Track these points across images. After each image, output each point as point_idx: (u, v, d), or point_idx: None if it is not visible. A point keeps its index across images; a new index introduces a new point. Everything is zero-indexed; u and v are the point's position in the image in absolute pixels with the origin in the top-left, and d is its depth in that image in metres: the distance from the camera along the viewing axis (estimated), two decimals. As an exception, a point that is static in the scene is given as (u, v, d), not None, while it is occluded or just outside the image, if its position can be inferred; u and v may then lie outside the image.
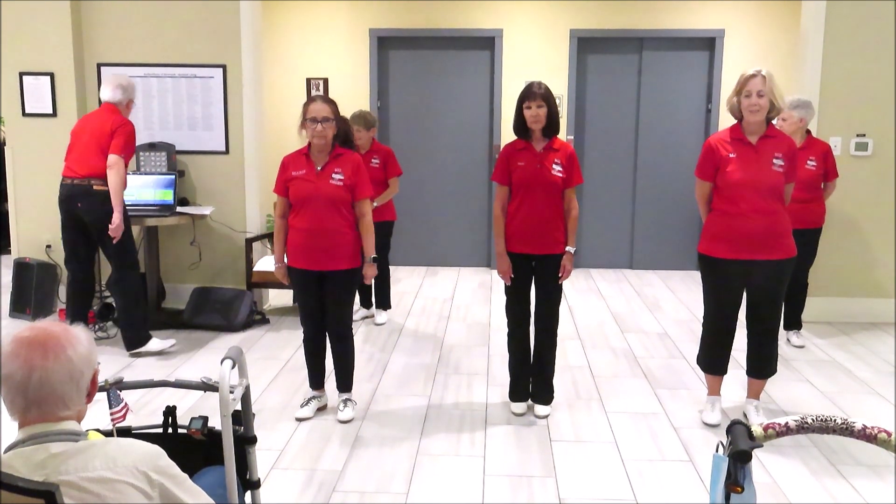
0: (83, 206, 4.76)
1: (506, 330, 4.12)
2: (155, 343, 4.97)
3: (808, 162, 4.97)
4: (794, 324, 5.34)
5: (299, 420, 4.00)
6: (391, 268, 7.51)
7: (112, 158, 4.71)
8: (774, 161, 3.73)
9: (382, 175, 5.49)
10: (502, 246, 3.94)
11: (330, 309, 3.95)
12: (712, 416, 3.99)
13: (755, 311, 3.88)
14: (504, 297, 4.08)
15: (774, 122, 4.86)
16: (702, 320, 4.05)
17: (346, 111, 5.48)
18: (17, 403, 1.59)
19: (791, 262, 3.80)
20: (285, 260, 3.99)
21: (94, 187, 4.74)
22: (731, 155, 3.76)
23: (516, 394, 4.14)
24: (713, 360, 4.00)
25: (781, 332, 5.24)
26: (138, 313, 4.95)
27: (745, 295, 3.91)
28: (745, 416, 4.04)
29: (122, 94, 4.90)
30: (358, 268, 3.94)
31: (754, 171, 3.71)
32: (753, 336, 3.94)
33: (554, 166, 3.85)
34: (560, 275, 3.93)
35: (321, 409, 4.14)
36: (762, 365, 3.95)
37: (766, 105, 3.68)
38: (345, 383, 4.08)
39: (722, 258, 3.80)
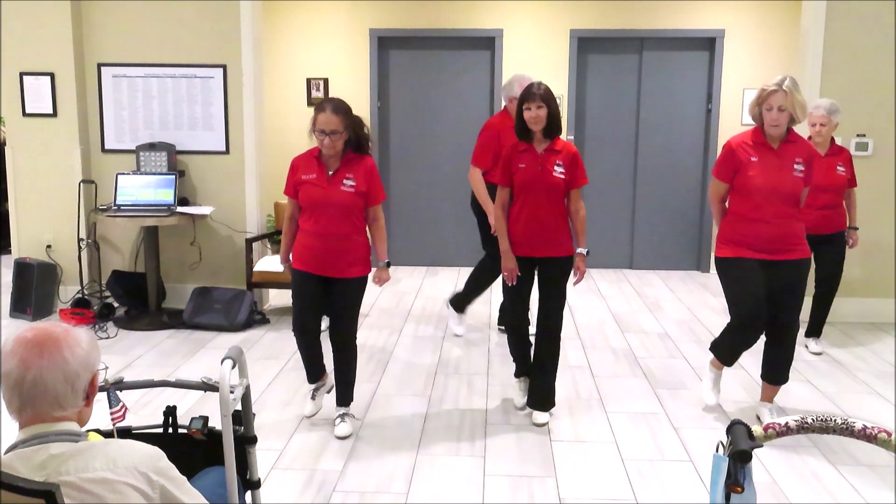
0: None
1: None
2: (455, 321, 5.50)
3: (838, 168, 4.87)
4: (815, 331, 5.20)
5: (308, 417, 4.00)
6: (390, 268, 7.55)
7: (471, 169, 5.26)
8: (795, 167, 3.73)
9: None
10: (507, 244, 3.87)
11: (337, 317, 3.80)
12: (711, 395, 4.13)
13: (774, 313, 3.81)
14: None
15: (815, 126, 4.83)
16: (728, 318, 3.96)
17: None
18: (13, 402, 1.61)
19: (807, 264, 3.81)
20: (290, 259, 3.88)
21: None
22: (753, 159, 3.74)
23: (521, 370, 4.21)
24: (733, 354, 4.01)
25: (801, 338, 5.14)
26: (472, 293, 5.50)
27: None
28: (758, 419, 4.04)
29: (503, 97, 5.17)
30: (367, 275, 3.81)
31: (776, 176, 3.71)
32: (772, 339, 3.91)
33: (555, 168, 3.80)
34: (575, 277, 3.91)
35: (328, 392, 4.06)
36: (780, 369, 3.94)
37: (787, 119, 3.68)
38: (344, 397, 3.88)
39: (744, 257, 3.80)
